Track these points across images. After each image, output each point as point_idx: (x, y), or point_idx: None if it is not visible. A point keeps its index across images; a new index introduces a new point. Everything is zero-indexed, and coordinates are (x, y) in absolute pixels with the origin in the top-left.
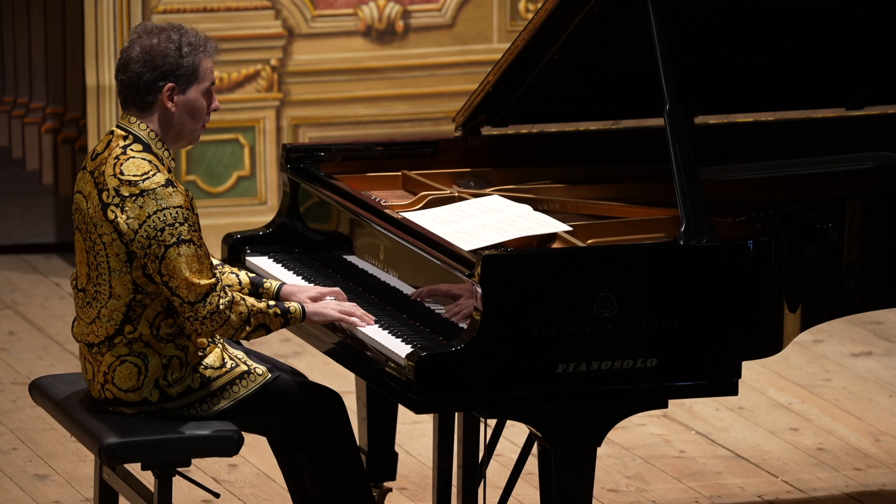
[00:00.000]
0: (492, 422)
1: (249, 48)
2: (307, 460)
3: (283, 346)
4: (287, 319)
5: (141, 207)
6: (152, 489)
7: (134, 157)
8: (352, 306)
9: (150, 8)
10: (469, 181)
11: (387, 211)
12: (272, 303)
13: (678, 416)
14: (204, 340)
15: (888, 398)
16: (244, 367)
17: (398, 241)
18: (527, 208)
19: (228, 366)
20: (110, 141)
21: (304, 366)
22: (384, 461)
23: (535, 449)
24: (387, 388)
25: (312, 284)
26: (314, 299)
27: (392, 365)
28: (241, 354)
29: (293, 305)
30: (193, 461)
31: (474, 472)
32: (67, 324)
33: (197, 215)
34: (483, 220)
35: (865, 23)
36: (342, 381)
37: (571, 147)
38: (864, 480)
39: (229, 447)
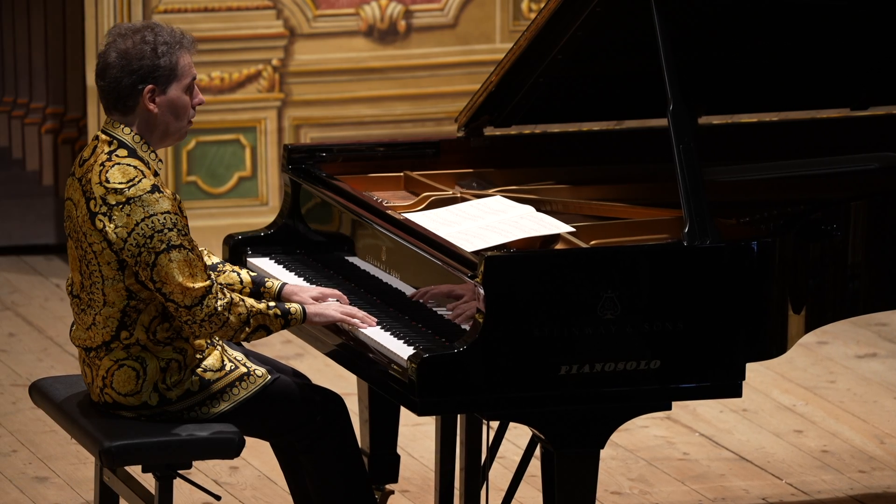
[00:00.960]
0: (494, 424)
1: (251, 48)
2: (309, 463)
3: (284, 347)
4: (288, 320)
5: (128, 215)
6: (153, 492)
7: (119, 164)
8: (354, 308)
9: (151, 8)
10: (472, 182)
11: (389, 212)
12: (272, 303)
13: (682, 418)
14: (202, 343)
15: (893, 400)
16: (244, 369)
17: (400, 242)
18: (529, 209)
19: (228, 368)
20: (96, 146)
21: (306, 367)
22: (386, 463)
23: (537, 451)
24: (389, 389)
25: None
26: (316, 299)
27: (394, 367)
28: (240, 356)
29: (294, 306)
30: (194, 463)
31: (477, 475)
32: (67, 325)
33: (186, 217)
34: (486, 221)
35: (870, 22)
36: (344, 383)
37: (574, 147)
38: (868, 483)
39: (230, 449)
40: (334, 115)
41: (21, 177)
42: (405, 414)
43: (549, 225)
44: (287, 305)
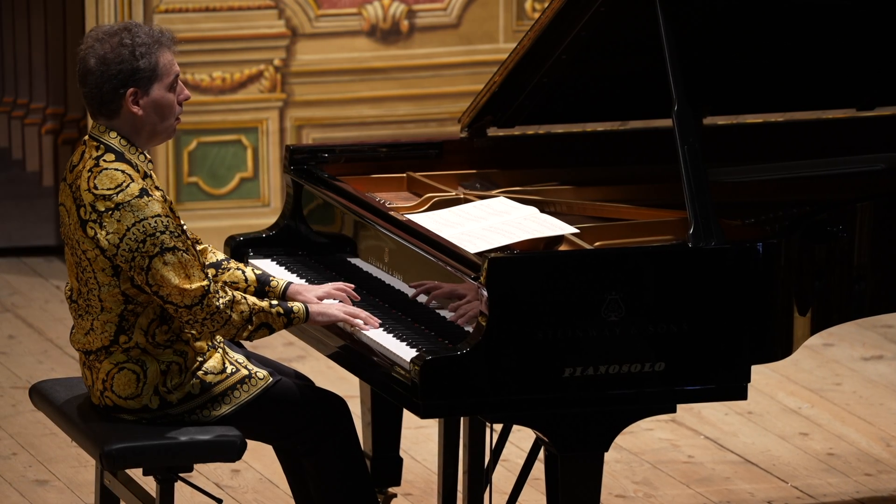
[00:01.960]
0: (498, 426)
1: (252, 48)
2: (311, 466)
3: (286, 349)
4: (290, 319)
5: (119, 221)
6: (154, 495)
7: (107, 169)
8: (357, 309)
9: (152, 8)
10: (475, 183)
11: (391, 213)
12: (275, 302)
13: (686, 420)
14: (203, 345)
15: None
16: (245, 372)
17: (403, 243)
18: (533, 210)
19: (229, 370)
20: (84, 151)
21: (308, 370)
22: (389, 466)
23: (541, 454)
24: (392, 392)
25: None
26: (322, 298)
27: (397, 369)
28: (241, 359)
29: (297, 305)
30: (196, 466)
31: (480, 478)
32: (68, 327)
33: (178, 218)
34: (489, 223)
35: (876, 23)
36: (346, 386)
37: (578, 148)
38: (874, 486)
39: (232, 452)
40: (336, 116)
41: (21, 178)
42: (408, 416)
43: (552, 226)
44: (290, 304)
